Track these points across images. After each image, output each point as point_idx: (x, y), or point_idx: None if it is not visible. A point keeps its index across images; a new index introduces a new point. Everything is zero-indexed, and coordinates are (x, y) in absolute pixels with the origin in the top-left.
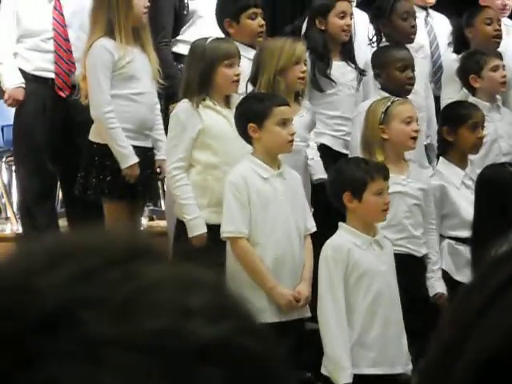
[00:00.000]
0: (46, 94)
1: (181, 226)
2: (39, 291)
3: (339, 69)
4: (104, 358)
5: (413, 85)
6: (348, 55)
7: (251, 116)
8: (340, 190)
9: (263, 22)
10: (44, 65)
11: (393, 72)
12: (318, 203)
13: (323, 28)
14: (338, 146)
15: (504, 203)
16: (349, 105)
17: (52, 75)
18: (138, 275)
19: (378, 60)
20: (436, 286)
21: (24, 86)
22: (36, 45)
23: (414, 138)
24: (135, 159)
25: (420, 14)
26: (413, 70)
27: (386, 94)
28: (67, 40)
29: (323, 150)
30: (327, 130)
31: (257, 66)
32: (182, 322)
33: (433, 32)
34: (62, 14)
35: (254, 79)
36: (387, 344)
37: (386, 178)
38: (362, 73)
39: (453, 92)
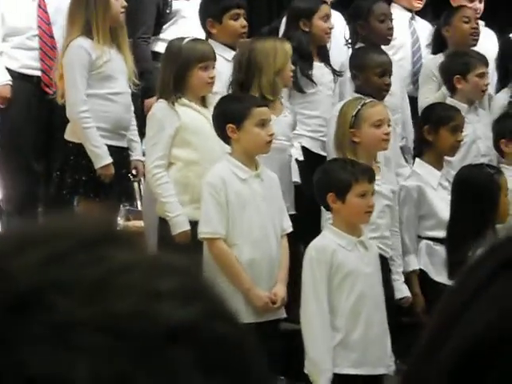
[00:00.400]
0: (32, 92)
1: (164, 224)
2: (10, 274)
3: (319, 69)
4: (74, 340)
5: (388, 90)
6: (324, 57)
7: (230, 116)
8: (325, 191)
9: (245, 23)
10: (30, 62)
11: (371, 76)
12: (297, 205)
13: (307, 30)
14: (316, 148)
15: (481, 204)
16: (327, 105)
17: (37, 73)
18: (109, 258)
19: (356, 62)
20: (403, 289)
21: (11, 83)
22: (21, 43)
23: (386, 140)
24: (109, 159)
25: (405, 15)
26: (390, 76)
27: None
28: (52, 37)
29: (302, 151)
30: (306, 131)
31: (248, 69)
32: (152, 304)
33: (416, 34)
34: (47, 12)
35: (245, 82)
36: (369, 345)
37: (371, 180)
38: (337, 74)
39: (429, 92)
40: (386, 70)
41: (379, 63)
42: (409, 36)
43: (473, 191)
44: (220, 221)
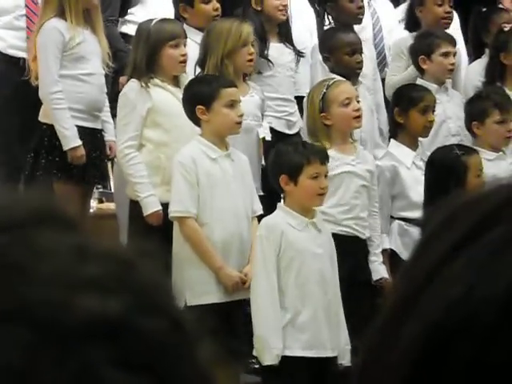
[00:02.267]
0: (19, 73)
1: (134, 206)
2: None
3: (277, 50)
4: None
5: (361, 68)
6: (285, 37)
7: (199, 98)
8: (277, 173)
9: (217, 6)
10: (17, 42)
11: (341, 56)
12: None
13: (259, 9)
14: (280, 127)
15: (448, 185)
16: (287, 86)
17: (24, 54)
18: (31, 242)
19: (325, 44)
20: (380, 270)
21: None
22: (9, 22)
23: (358, 117)
24: (77, 142)
25: None
26: (361, 54)
27: (335, 76)
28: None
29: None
30: (268, 110)
31: (204, 49)
32: (71, 293)
33: (376, 14)
34: None
35: (202, 62)
36: (319, 327)
37: (323, 161)
38: (299, 54)
39: (397, 69)
40: (356, 48)
41: (348, 42)
42: (369, 17)
43: (440, 173)
44: (191, 200)
